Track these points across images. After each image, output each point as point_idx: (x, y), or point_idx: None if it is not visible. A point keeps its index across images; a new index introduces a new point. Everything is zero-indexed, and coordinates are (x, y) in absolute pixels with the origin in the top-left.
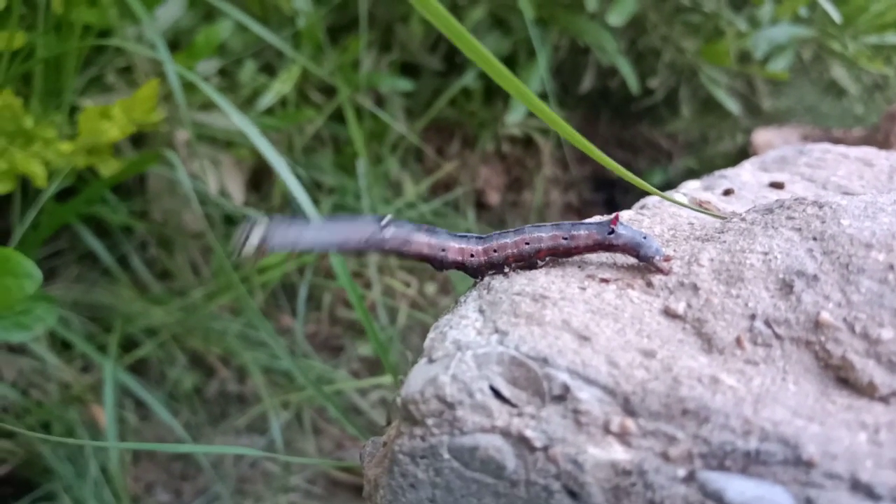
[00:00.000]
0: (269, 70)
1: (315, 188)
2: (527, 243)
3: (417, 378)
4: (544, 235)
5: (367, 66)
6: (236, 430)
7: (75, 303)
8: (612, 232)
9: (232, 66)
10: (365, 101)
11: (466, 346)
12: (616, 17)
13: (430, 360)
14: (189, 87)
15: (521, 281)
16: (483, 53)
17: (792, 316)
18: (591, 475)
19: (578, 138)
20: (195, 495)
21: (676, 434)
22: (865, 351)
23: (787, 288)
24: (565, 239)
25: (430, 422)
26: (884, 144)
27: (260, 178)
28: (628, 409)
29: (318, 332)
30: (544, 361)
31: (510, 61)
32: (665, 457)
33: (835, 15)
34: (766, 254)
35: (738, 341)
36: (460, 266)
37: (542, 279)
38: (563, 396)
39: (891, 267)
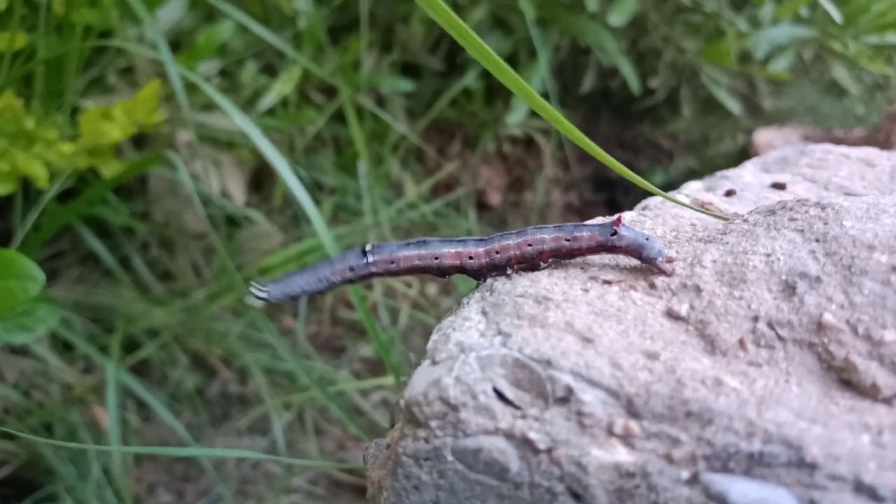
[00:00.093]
0: (270, 71)
1: (316, 189)
2: (529, 245)
3: (421, 380)
4: (547, 237)
5: (368, 67)
6: (238, 431)
7: (77, 304)
8: (615, 233)
9: (233, 66)
10: (366, 101)
11: (470, 348)
12: (617, 18)
13: (434, 362)
14: (190, 88)
15: (524, 283)
16: (484, 49)
17: (795, 318)
18: (594, 477)
19: (579, 136)
20: (197, 496)
21: (680, 436)
22: (868, 353)
23: (789, 289)
24: (568, 240)
25: (433, 424)
26: (885, 145)
27: (261, 179)
28: (632, 411)
29: (320, 332)
30: (548, 363)
31: (511, 61)
32: (669, 459)
33: (836, 15)
34: (768, 255)
35: (742, 343)
36: (461, 270)
37: (545, 281)
38: (566, 398)
39: (893, 268)
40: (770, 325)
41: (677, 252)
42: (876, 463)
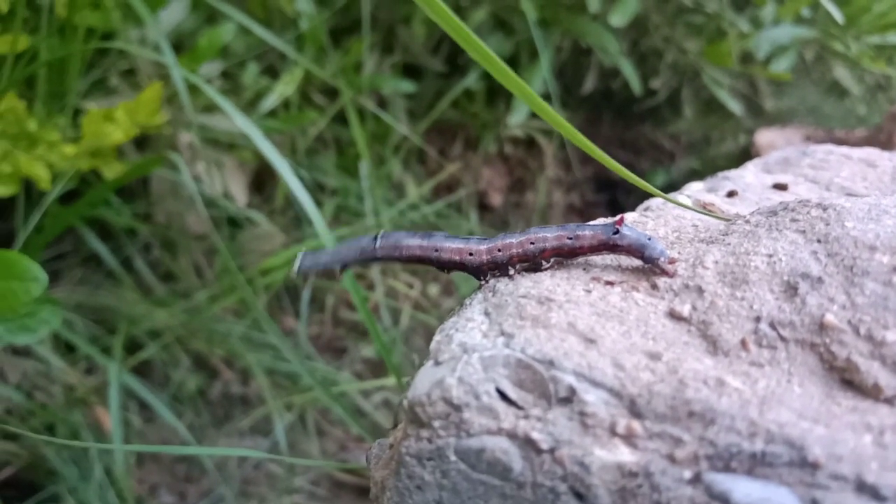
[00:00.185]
0: (272, 72)
1: (318, 190)
2: (532, 243)
3: (424, 380)
4: (549, 235)
5: (370, 68)
6: (240, 432)
7: (79, 305)
8: (617, 232)
9: (235, 68)
10: (367, 102)
11: (472, 349)
12: (618, 18)
13: (437, 363)
14: (192, 90)
15: (527, 283)
16: (486, 52)
17: (797, 318)
18: (597, 477)
19: (580, 138)
20: (199, 497)
21: (682, 436)
22: (870, 353)
23: (791, 290)
24: (570, 239)
25: (436, 424)
26: (887, 145)
27: (263, 180)
28: (634, 412)
29: (322, 333)
30: (550, 364)
31: (512, 63)
32: (671, 458)
33: (837, 15)
34: (770, 256)
35: (744, 343)
36: (460, 266)
37: (548, 282)
38: (569, 399)
39: (895, 269)
40: (772, 325)
41: (679, 253)
42: (878, 463)
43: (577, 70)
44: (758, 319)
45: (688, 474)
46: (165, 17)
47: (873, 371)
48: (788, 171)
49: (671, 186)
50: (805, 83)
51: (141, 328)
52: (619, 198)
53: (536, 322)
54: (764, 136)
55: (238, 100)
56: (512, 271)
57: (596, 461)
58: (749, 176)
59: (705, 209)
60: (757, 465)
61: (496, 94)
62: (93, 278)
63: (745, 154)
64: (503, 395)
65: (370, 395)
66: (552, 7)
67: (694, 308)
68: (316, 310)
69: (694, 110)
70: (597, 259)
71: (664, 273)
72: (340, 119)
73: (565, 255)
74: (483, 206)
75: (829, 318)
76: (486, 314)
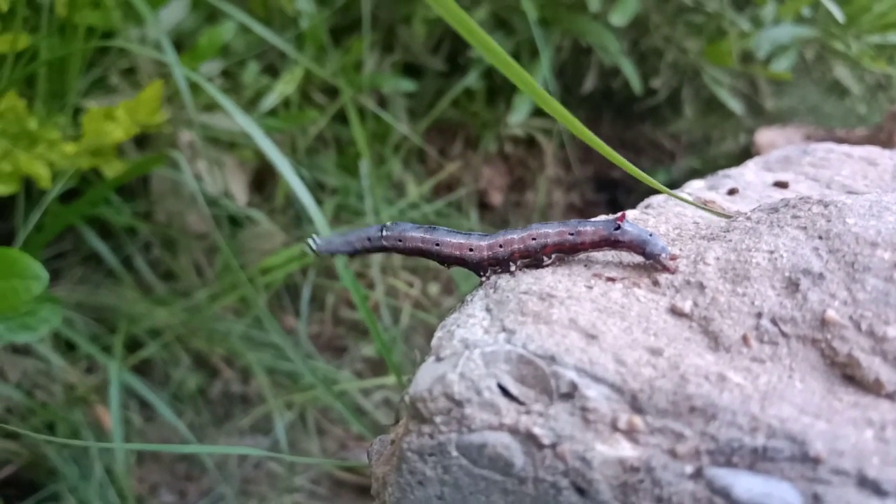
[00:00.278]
0: (272, 71)
1: (318, 189)
2: (533, 238)
3: (426, 376)
4: (551, 231)
5: (370, 67)
6: (240, 431)
7: (80, 304)
8: (619, 228)
9: (235, 67)
10: (368, 101)
11: (474, 345)
12: (618, 18)
13: (438, 359)
14: (192, 89)
15: (528, 280)
16: (490, 43)
17: (798, 314)
18: (598, 472)
19: (581, 127)
20: (199, 496)
21: (684, 431)
22: (871, 348)
23: (793, 286)
24: (572, 235)
25: (438, 419)
26: (887, 144)
27: (263, 179)
28: (636, 407)
29: (322, 332)
30: (552, 359)
31: None
32: (673, 453)
33: (838, 15)
34: (771, 252)
35: (745, 339)
36: (460, 261)
37: (549, 278)
38: (570, 394)
39: None
40: (773, 321)
41: (681, 249)
42: (879, 458)
43: (578, 69)
44: (759, 315)
45: (689, 469)
46: (166, 16)
47: (874, 366)
48: (789, 170)
49: (672, 186)
50: (805, 82)
51: (141, 327)
52: (620, 197)
53: (538, 318)
54: (764, 136)
55: (238, 98)
56: (513, 267)
57: (597, 456)
58: (750, 174)
59: (706, 206)
60: (758, 460)
61: (496, 94)
62: (93, 277)
63: (746, 153)
64: (505, 391)
65: (370, 394)
66: (552, 6)
67: (695, 304)
68: (316, 308)
69: (694, 110)
70: (598, 255)
71: (665, 269)
72: (341, 118)
73: (567, 251)
74: (483, 206)
75: (831, 313)
76: (488, 310)
